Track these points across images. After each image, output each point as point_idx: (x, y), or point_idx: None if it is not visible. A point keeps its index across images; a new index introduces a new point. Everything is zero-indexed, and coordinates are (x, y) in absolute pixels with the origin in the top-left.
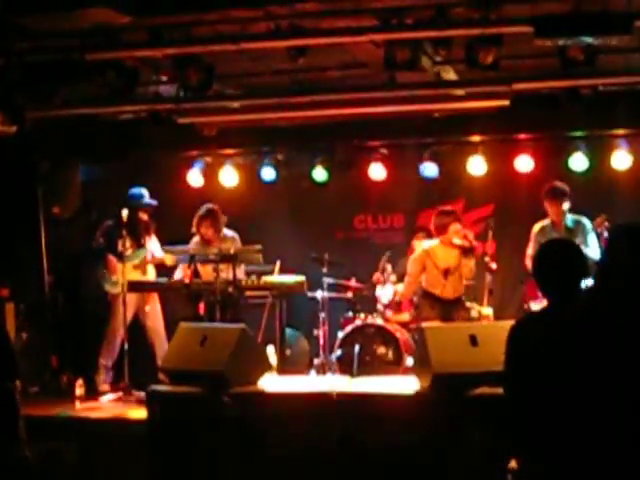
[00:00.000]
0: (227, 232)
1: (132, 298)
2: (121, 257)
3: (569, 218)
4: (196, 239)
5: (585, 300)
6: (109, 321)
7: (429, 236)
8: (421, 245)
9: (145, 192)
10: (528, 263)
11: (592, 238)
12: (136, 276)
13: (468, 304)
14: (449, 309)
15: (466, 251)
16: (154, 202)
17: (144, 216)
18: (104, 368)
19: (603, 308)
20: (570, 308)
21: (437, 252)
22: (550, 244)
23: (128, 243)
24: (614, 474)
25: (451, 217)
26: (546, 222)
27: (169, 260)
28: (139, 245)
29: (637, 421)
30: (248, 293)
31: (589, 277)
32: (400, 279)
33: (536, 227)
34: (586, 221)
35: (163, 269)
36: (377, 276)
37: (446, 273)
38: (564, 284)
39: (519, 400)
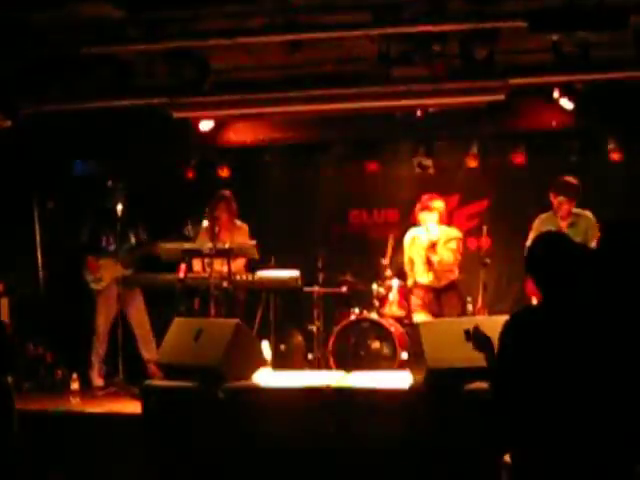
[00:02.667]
0: (238, 222)
1: (115, 293)
2: (103, 253)
3: (573, 211)
4: (205, 225)
5: (581, 294)
6: (95, 317)
7: None
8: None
9: (112, 182)
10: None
11: (595, 232)
12: (119, 271)
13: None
14: (438, 297)
15: (432, 245)
16: (120, 184)
17: (118, 205)
18: (96, 363)
19: (598, 302)
20: (565, 302)
21: (423, 239)
22: (541, 237)
23: (111, 238)
24: (609, 467)
25: (419, 206)
26: (549, 213)
27: (166, 255)
28: (122, 239)
29: (632, 413)
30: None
31: (582, 270)
32: (395, 274)
33: (537, 220)
34: (589, 214)
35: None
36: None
37: (430, 260)
38: (556, 277)
39: (513, 394)
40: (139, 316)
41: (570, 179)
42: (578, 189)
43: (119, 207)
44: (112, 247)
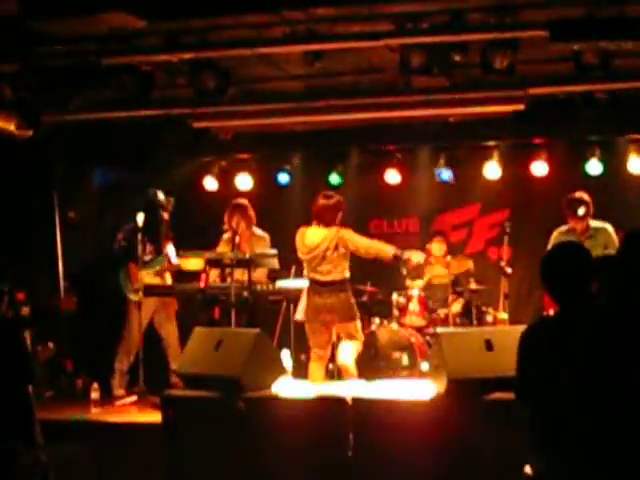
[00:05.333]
0: (258, 231)
1: (150, 304)
2: (140, 263)
3: (592, 224)
4: (226, 236)
5: (598, 302)
6: (126, 325)
7: (446, 239)
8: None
9: (159, 191)
10: None
11: (614, 244)
12: (157, 282)
13: (484, 308)
14: (328, 293)
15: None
16: (171, 198)
17: (165, 215)
18: (119, 372)
19: (617, 310)
20: (581, 311)
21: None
22: (556, 248)
23: (148, 248)
24: (632, 475)
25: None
26: (566, 227)
27: (189, 265)
28: (158, 251)
29: None
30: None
31: (596, 279)
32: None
33: (555, 232)
34: (608, 227)
35: (185, 274)
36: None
37: (324, 253)
38: (568, 287)
39: (532, 404)
40: (169, 326)
41: (577, 195)
42: (588, 204)
43: (165, 217)
44: (148, 257)
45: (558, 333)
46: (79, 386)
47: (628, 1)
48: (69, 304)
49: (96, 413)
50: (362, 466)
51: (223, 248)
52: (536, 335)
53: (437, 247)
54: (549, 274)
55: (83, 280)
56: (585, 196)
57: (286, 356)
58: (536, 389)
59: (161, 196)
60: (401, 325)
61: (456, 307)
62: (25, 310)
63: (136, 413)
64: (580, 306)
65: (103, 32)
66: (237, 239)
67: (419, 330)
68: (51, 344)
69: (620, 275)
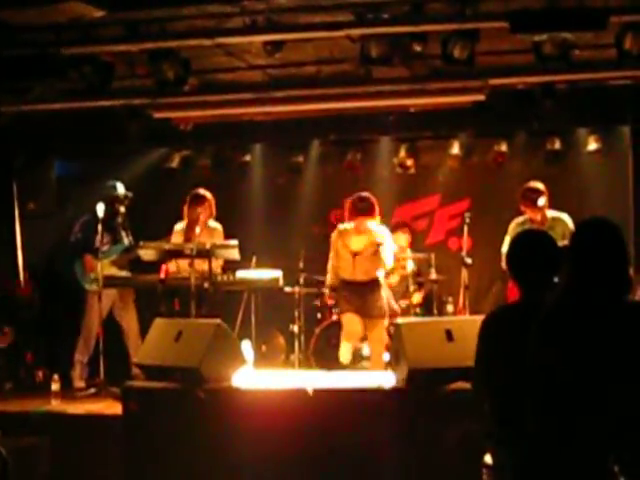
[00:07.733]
0: (211, 222)
1: (108, 294)
2: (97, 253)
3: (548, 215)
4: (180, 226)
5: (556, 291)
6: (84, 316)
7: (410, 231)
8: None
9: (120, 184)
10: (503, 264)
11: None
12: (113, 272)
13: (444, 299)
14: (362, 293)
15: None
16: (130, 193)
17: (121, 208)
18: (79, 364)
19: (570, 299)
20: (542, 299)
21: (350, 234)
22: (522, 234)
23: (105, 239)
24: (588, 465)
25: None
26: (523, 218)
27: (147, 255)
28: (116, 240)
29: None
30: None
31: (561, 267)
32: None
33: (513, 223)
34: (566, 218)
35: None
36: None
37: (355, 255)
38: (535, 273)
39: (495, 392)
40: (129, 318)
41: (533, 185)
42: (545, 194)
43: (121, 209)
44: (105, 248)
45: (519, 320)
46: (39, 378)
47: None
48: (28, 293)
49: (56, 405)
50: (323, 456)
51: (176, 239)
52: (497, 323)
53: (402, 238)
54: (516, 258)
55: (43, 271)
56: (541, 185)
57: (247, 347)
58: (496, 377)
59: (120, 190)
60: None
61: (417, 298)
62: None
63: (96, 405)
64: (542, 294)
65: (63, 22)
66: (197, 230)
67: None
68: (7, 329)
69: (569, 265)
